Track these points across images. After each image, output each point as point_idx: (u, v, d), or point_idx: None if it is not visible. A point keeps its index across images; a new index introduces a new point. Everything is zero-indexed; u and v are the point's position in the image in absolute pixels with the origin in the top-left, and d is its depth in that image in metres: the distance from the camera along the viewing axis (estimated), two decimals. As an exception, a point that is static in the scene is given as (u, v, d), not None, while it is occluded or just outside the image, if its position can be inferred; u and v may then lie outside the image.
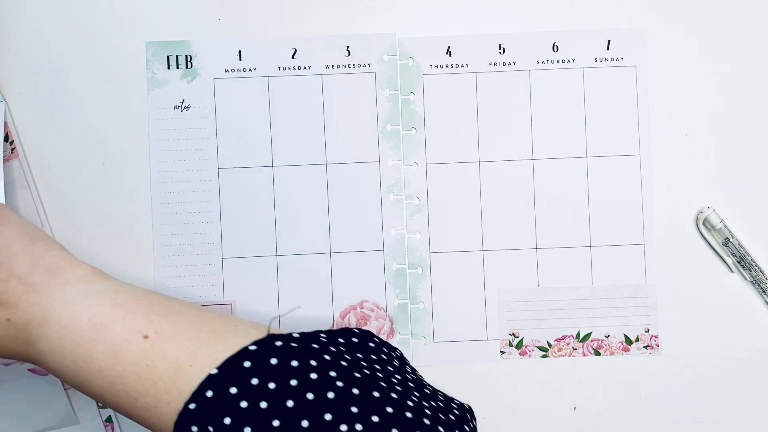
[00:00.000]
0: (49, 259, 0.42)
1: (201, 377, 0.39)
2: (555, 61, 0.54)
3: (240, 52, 0.54)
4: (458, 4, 0.54)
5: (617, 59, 0.54)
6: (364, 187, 0.54)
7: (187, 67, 0.54)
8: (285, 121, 0.54)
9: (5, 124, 0.53)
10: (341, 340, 0.44)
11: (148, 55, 0.54)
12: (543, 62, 0.54)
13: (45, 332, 0.40)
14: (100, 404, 0.53)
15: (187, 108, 0.54)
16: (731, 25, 0.55)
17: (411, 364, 0.46)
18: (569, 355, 0.54)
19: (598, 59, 0.54)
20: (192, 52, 0.54)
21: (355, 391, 0.39)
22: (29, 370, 0.52)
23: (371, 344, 0.45)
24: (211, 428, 0.38)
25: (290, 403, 0.38)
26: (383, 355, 0.45)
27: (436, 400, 0.42)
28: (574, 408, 0.54)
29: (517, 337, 0.54)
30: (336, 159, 0.54)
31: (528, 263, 0.54)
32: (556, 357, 0.54)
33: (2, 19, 0.54)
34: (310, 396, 0.38)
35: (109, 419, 0.53)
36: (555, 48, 0.54)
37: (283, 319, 0.54)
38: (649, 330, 0.54)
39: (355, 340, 0.45)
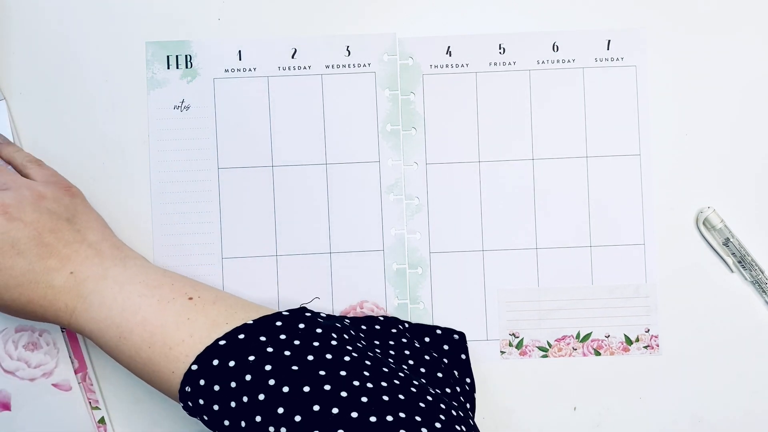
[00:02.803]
0: (116, 241, 0.50)
1: None
2: (555, 61, 0.54)
3: (240, 52, 0.54)
4: (458, 4, 0.54)
5: (617, 59, 0.55)
6: (364, 187, 0.54)
7: (186, 67, 0.54)
8: (285, 121, 0.54)
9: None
10: (363, 327, 0.51)
11: (148, 55, 0.54)
12: (543, 62, 0.54)
13: (100, 287, 0.46)
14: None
15: (187, 108, 0.54)
16: (731, 25, 0.55)
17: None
18: (569, 355, 0.54)
19: (598, 59, 0.54)
20: (192, 52, 0.54)
21: (368, 362, 0.44)
22: (53, 385, 0.52)
23: (393, 330, 0.51)
24: (232, 362, 0.43)
25: (310, 357, 0.44)
26: (404, 340, 0.51)
27: (441, 393, 0.48)
28: (574, 408, 0.54)
29: (517, 337, 0.54)
30: (336, 159, 0.54)
31: (528, 263, 0.54)
32: (556, 357, 0.54)
33: (2, 19, 0.54)
34: (329, 356, 0.44)
35: (101, 420, 0.53)
36: (555, 48, 0.54)
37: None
38: (649, 330, 0.54)
39: (377, 327, 0.51)
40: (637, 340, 0.54)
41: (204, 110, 0.54)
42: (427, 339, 0.52)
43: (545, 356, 0.54)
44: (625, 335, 0.54)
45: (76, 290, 0.46)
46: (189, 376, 0.44)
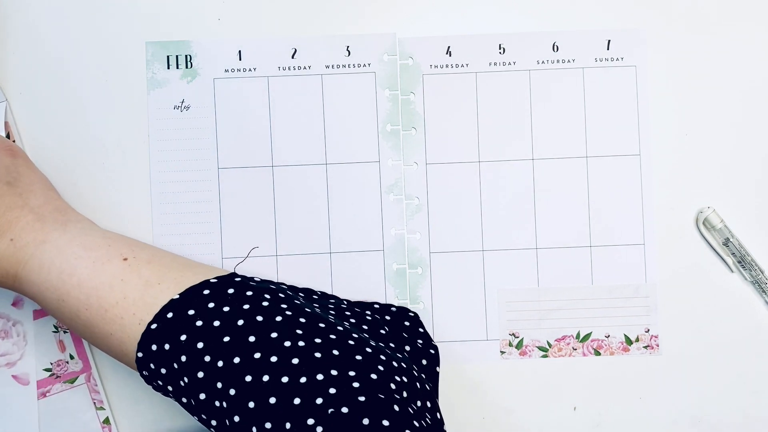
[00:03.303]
0: (59, 204, 0.49)
1: (167, 295, 0.45)
2: (555, 61, 0.54)
3: (240, 52, 0.54)
4: (458, 4, 0.54)
5: (617, 59, 0.54)
6: (364, 187, 0.54)
7: (187, 67, 0.54)
8: (285, 121, 0.54)
9: (6, 123, 0.53)
10: (301, 294, 0.49)
11: (148, 55, 0.54)
12: (543, 62, 0.54)
13: (40, 252, 0.46)
14: (58, 327, 0.53)
15: (187, 108, 0.54)
16: (731, 25, 0.55)
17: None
18: (569, 355, 0.54)
19: (598, 59, 0.54)
20: (192, 52, 0.54)
21: (302, 320, 0.44)
22: (12, 376, 0.52)
23: (332, 300, 0.51)
24: (167, 345, 0.43)
25: (240, 322, 0.43)
26: (343, 305, 0.50)
27: (384, 346, 0.47)
28: (574, 408, 0.54)
29: (517, 337, 0.54)
30: (336, 159, 0.54)
31: (528, 263, 0.54)
32: (556, 357, 0.54)
33: (2, 19, 0.54)
34: (259, 318, 0.43)
35: (106, 420, 0.53)
36: (555, 48, 0.54)
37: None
38: (649, 330, 0.54)
39: (315, 297, 0.50)
40: (637, 340, 0.54)
41: (204, 110, 0.54)
42: (368, 312, 0.51)
43: (545, 356, 0.54)
44: (625, 335, 0.54)
45: (15, 257, 0.46)
46: (139, 363, 0.44)
